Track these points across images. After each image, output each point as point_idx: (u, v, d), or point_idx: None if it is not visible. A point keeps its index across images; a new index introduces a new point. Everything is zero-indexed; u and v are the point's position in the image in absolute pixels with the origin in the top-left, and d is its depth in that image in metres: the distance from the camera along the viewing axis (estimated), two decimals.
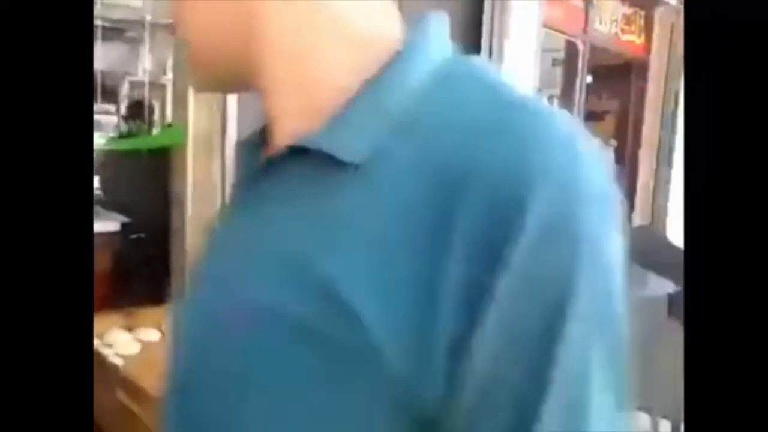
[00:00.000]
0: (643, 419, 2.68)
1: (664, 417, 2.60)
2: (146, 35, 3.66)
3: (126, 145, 2.86)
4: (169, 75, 5.10)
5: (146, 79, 3.63)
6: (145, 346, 1.55)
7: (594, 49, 5.14)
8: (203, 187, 2.55)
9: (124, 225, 2.68)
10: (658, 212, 5.73)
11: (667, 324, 2.38)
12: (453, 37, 0.45)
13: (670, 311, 2.33)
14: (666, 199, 5.70)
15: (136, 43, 4.70)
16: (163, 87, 5.14)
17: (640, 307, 1.98)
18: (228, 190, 2.50)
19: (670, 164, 5.67)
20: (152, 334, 1.60)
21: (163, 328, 1.65)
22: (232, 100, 2.49)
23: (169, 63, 5.09)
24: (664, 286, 2.26)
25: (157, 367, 1.42)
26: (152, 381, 1.25)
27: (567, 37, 5.12)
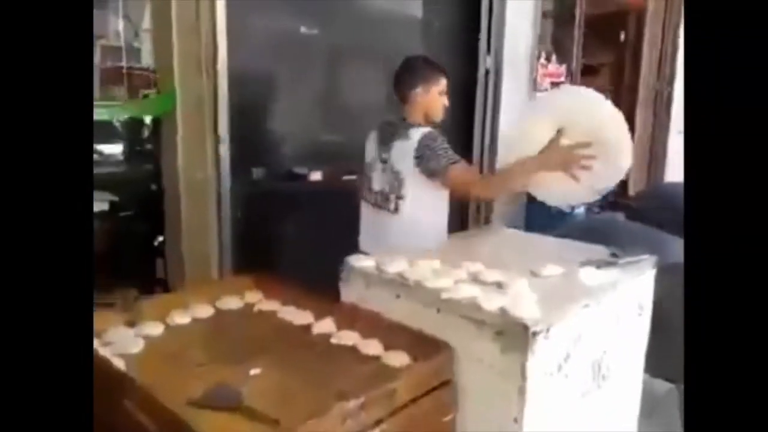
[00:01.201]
0: (663, 386, 2.59)
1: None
2: None
3: (106, 114, 2.64)
4: (143, 38, 4.82)
5: (122, 44, 3.38)
6: (149, 342, 1.38)
7: None
8: (195, 157, 2.33)
9: (112, 204, 2.48)
10: (655, 165, 5.62)
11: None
12: None
13: None
14: (664, 150, 5.58)
15: (105, 3, 4.41)
16: (137, 51, 4.84)
17: (664, 275, 1.79)
18: (223, 159, 2.29)
19: (668, 115, 5.53)
20: (155, 328, 1.43)
21: (167, 320, 1.48)
22: (222, 61, 2.26)
23: (143, 26, 4.79)
24: None
25: (164, 367, 1.26)
26: (160, 385, 1.10)
27: None
